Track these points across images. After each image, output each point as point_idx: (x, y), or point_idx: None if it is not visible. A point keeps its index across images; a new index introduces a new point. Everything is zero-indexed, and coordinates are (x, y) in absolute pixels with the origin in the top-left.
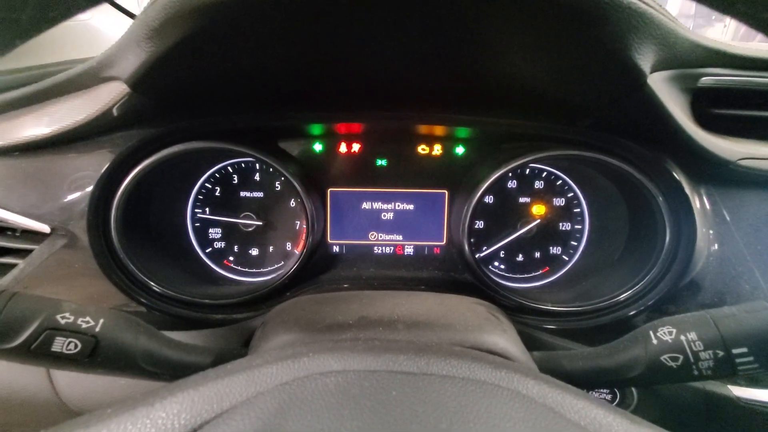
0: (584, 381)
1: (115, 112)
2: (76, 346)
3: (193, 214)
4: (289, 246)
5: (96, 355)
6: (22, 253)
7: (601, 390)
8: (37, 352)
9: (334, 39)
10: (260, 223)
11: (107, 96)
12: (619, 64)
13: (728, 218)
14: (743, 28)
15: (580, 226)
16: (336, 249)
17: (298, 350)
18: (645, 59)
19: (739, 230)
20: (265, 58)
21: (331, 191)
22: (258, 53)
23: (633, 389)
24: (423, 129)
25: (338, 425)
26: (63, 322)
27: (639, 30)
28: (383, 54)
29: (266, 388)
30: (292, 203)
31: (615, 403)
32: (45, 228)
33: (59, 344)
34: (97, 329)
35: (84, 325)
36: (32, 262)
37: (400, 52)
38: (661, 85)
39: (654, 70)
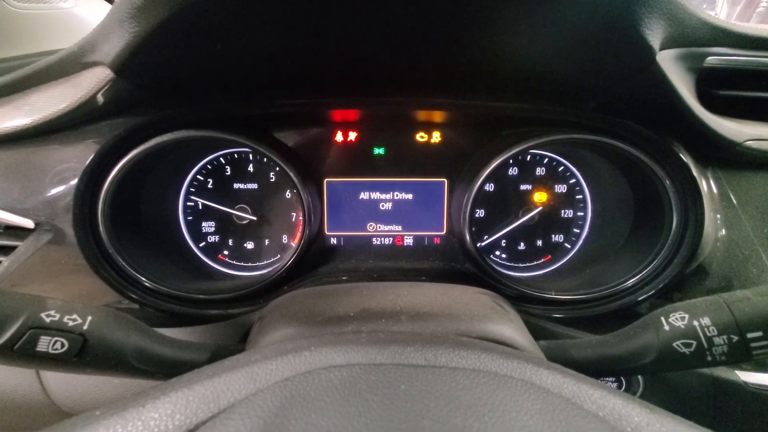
0: (593, 370)
1: (99, 99)
2: (62, 345)
3: (185, 207)
4: (285, 239)
5: (84, 355)
6: (6, 250)
7: (607, 378)
8: (22, 352)
9: (329, 19)
10: (255, 216)
11: (90, 82)
12: (629, 39)
13: (735, 202)
14: (735, 15)
15: (582, 213)
16: (333, 241)
17: (298, 344)
18: (655, 35)
19: (746, 213)
20: (256, 39)
21: (327, 181)
22: (248, 34)
23: (638, 375)
24: (421, 115)
25: (345, 423)
26: (48, 320)
27: (649, 3)
28: (381, 35)
29: (266, 385)
30: (288, 194)
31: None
32: (29, 223)
33: (45, 344)
34: (85, 327)
35: (70, 323)
36: (17, 259)
37: (399, 33)
38: (669, 63)
39: (662, 47)
